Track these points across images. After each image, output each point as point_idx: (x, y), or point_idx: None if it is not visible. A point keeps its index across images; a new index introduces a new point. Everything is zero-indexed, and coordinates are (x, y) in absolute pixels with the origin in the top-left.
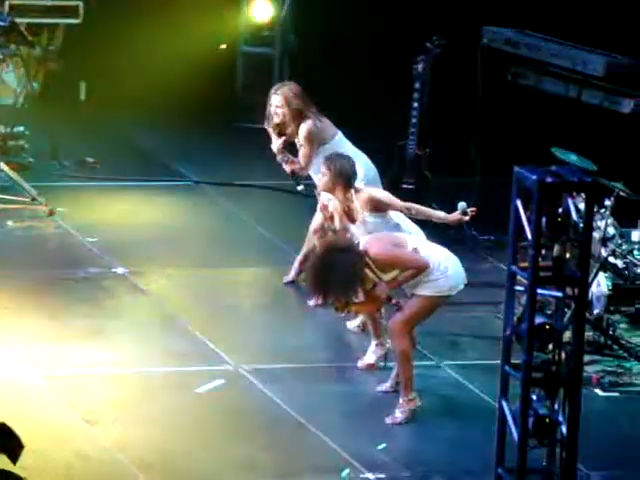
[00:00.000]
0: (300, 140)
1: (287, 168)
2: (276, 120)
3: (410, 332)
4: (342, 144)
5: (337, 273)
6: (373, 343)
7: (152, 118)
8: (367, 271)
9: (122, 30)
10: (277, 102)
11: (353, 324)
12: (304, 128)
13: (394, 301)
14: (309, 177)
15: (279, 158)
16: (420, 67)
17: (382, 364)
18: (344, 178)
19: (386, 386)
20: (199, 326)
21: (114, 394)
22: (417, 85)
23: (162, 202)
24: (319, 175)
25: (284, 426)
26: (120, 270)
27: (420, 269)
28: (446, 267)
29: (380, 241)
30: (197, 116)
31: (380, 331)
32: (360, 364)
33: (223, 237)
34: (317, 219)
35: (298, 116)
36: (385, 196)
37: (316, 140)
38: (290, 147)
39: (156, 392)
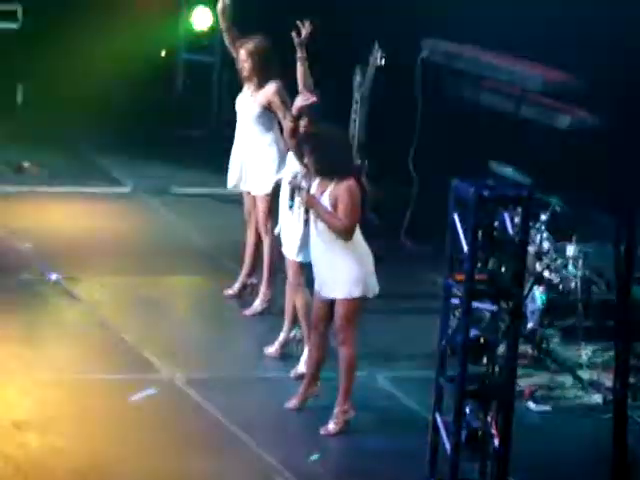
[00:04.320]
0: (271, 97)
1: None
2: (244, 74)
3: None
4: None
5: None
6: (305, 352)
7: (90, 123)
8: (324, 178)
9: (60, 34)
10: (242, 56)
11: (270, 350)
12: (273, 84)
13: (304, 216)
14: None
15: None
16: (359, 78)
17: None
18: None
19: (293, 403)
20: (133, 334)
21: (46, 400)
22: (356, 96)
23: (99, 209)
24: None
25: (217, 436)
26: (54, 277)
27: (341, 231)
28: (372, 269)
29: (357, 191)
30: (136, 122)
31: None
32: (293, 374)
33: (159, 245)
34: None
35: (260, 68)
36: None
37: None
38: None
39: (89, 399)
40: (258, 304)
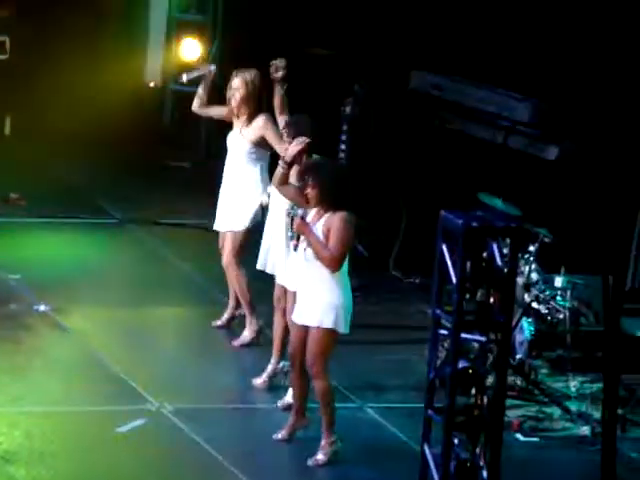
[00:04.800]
0: (262, 131)
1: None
2: (233, 104)
3: (327, 369)
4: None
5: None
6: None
7: (78, 154)
8: (321, 208)
9: (49, 65)
10: (235, 84)
11: (258, 381)
12: (262, 117)
13: (294, 242)
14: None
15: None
16: (348, 109)
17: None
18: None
19: (282, 434)
20: (121, 365)
21: (34, 432)
22: (345, 127)
23: (87, 240)
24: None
25: (204, 467)
26: (43, 308)
27: (329, 261)
28: (349, 306)
29: (351, 225)
30: (124, 153)
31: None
32: (280, 405)
33: (148, 276)
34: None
35: (252, 100)
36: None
37: (276, 130)
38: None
39: (77, 431)
40: (246, 335)
